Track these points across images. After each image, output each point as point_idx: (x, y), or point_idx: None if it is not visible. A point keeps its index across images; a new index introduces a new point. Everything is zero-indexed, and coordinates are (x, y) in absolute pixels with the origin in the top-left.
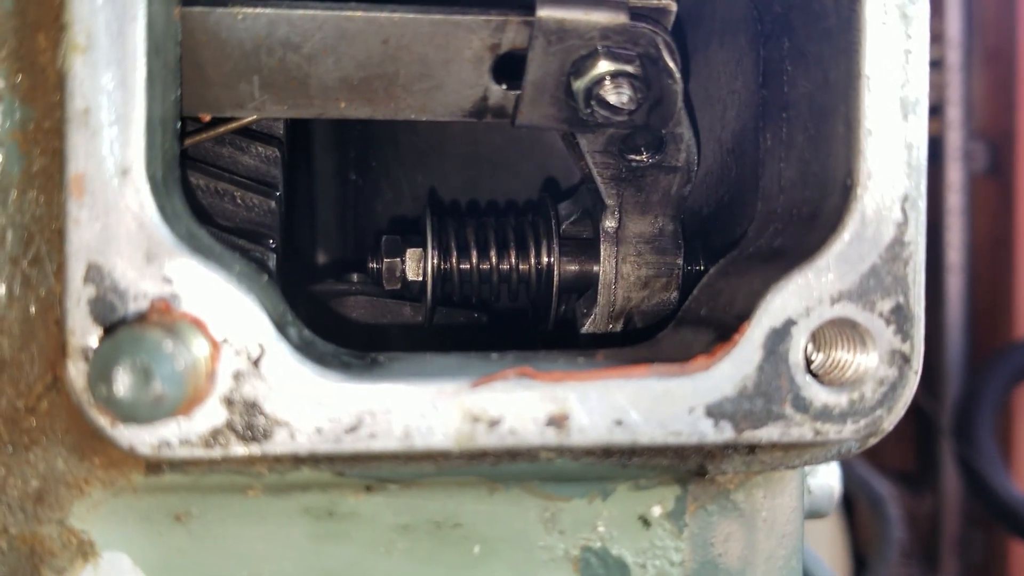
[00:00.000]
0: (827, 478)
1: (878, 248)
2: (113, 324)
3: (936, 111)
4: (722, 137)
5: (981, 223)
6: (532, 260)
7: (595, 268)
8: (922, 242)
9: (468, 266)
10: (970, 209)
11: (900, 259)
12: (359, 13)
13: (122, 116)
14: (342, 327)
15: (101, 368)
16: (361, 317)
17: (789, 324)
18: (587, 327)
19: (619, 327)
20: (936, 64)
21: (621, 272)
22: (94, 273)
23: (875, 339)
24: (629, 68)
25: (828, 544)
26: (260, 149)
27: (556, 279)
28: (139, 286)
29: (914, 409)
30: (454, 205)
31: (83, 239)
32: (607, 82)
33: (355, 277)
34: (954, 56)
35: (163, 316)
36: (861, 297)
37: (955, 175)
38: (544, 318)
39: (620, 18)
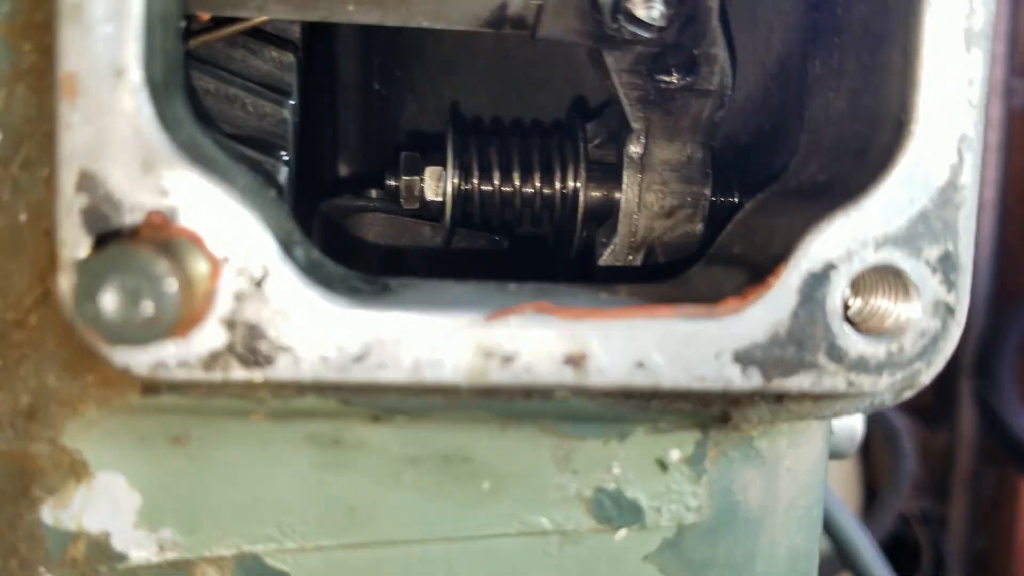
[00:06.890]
0: (850, 419)
1: (929, 191)
2: (106, 236)
3: None
4: (766, 61)
5: (1016, 160)
6: (557, 184)
7: (617, 195)
8: (976, 186)
9: (490, 188)
10: (1007, 146)
11: (952, 204)
12: None
13: (117, 12)
14: (358, 245)
15: (88, 286)
16: (379, 235)
17: (829, 268)
18: (605, 257)
19: (639, 259)
20: None
21: (644, 201)
22: (87, 181)
23: (919, 288)
24: None
25: (841, 475)
26: (274, 53)
27: (582, 205)
28: (135, 197)
29: None
30: (477, 122)
31: (75, 144)
32: None
33: (374, 193)
34: None
35: (158, 231)
36: (908, 243)
37: (995, 111)
38: (567, 245)
39: None
